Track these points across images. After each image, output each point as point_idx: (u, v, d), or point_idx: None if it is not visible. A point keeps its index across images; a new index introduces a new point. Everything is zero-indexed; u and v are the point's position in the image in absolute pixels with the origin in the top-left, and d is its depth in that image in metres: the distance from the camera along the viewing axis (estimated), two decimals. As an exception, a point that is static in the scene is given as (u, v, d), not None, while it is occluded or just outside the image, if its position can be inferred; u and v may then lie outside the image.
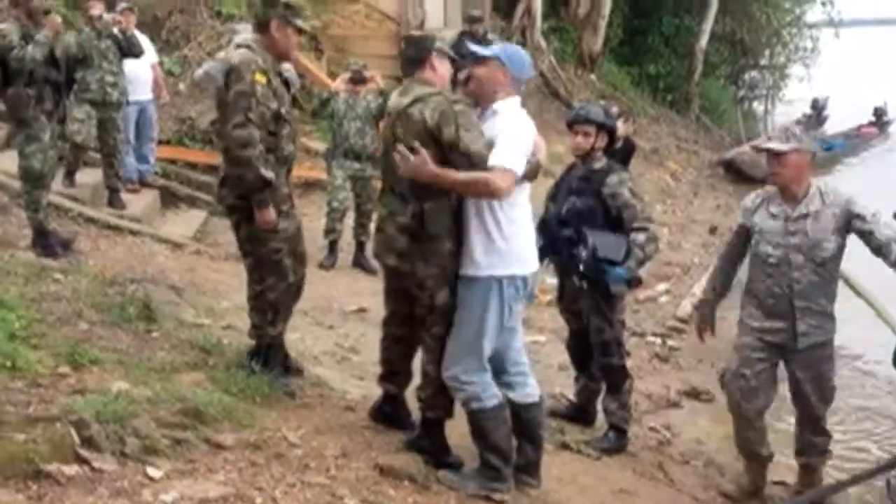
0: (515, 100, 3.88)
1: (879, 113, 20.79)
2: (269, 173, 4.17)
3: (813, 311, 4.31)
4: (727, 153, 16.61)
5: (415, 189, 3.75)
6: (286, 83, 4.44)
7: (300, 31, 4.45)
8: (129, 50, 7.54)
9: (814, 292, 4.30)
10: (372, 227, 5.33)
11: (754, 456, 4.67)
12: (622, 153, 5.45)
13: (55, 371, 3.77)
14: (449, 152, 3.69)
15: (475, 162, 3.62)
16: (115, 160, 7.68)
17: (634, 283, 4.81)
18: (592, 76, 17.43)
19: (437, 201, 3.74)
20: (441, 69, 3.94)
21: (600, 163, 4.80)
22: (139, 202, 8.13)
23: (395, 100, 3.93)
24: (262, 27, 4.37)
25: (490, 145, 3.64)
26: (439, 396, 3.94)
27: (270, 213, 4.22)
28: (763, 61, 22.84)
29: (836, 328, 4.42)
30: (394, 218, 3.86)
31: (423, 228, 3.76)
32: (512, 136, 3.68)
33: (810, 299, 4.30)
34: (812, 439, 4.57)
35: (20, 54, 5.89)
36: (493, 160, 3.60)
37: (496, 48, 3.96)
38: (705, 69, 20.06)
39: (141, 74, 8.19)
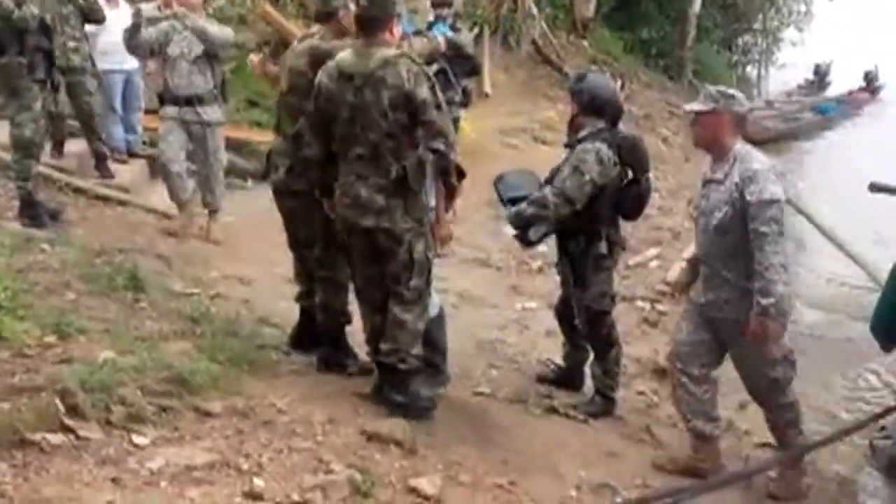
0: None
1: (870, 78, 20.69)
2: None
3: (720, 281, 4.14)
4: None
5: (394, 150, 3.89)
6: None
7: None
8: (91, 15, 7.44)
9: (717, 262, 4.15)
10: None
11: (693, 432, 4.43)
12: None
13: (41, 341, 3.77)
14: (420, 112, 3.84)
15: (446, 116, 3.92)
16: (94, 123, 7.62)
17: (515, 229, 4.85)
18: (585, 42, 17.30)
19: (414, 158, 3.91)
20: (396, 34, 4.04)
21: (584, 131, 4.80)
22: (127, 172, 8.07)
23: (354, 62, 3.91)
24: (325, 18, 4.48)
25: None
26: (415, 347, 4.07)
27: None
28: (756, 25, 22.68)
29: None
30: (365, 181, 3.94)
31: (406, 184, 3.91)
32: None
33: (714, 267, 4.17)
34: (766, 414, 4.49)
35: (22, 14, 5.86)
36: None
37: None
38: (698, 34, 19.91)
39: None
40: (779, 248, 3.87)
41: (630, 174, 4.79)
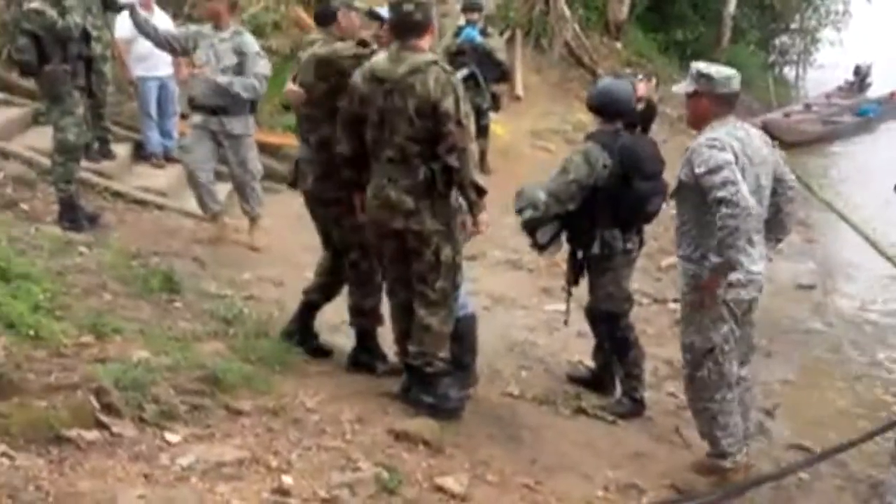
0: None
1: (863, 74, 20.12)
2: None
3: (684, 254, 4.19)
4: (757, 118, 16.42)
5: (422, 154, 3.92)
6: None
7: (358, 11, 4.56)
8: (111, 3, 7.48)
9: (680, 233, 4.22)
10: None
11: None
12: (642, 116, 5.43)
13: (78, 341, 3.85)
14: (440, 123, 3.86)
15: (465, 131, 3.89)
16: (103, 110, 7.74)
17: (528, 236, 4.93)
18: (618, 44, 17.24)
19: (442, 163, 3.93)
20: (430, 40, 4.08)
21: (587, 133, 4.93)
22: (164, 177, 8.21)
23: (386, 66, 3.95)
24: (324, 20, 4.56)
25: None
26: (442, 349, 4.10)
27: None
28: (793, 25, 22.43)
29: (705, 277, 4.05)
30: (395, 183, 3.98)
31: (435, 188, 3.94)
32: None
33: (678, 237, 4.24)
34: None
35: (66, 23, 6.00)
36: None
37: None
38: (734, 35, 19.76)
39: (159, 50, 8.22)
40: (736, 212, 3.80)
41: (625, 178, 4.74)
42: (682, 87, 4.22)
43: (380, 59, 4.03)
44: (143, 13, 7.72)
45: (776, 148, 4.32)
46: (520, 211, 4.86)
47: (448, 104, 3.85)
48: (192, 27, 6.80)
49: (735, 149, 3.98)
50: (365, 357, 4.64)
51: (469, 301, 4.56)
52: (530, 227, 4.83)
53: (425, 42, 3.99)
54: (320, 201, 4.58)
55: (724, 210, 3.81)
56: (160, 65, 8.04)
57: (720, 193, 3.83)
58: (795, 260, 9.18)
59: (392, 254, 4.15)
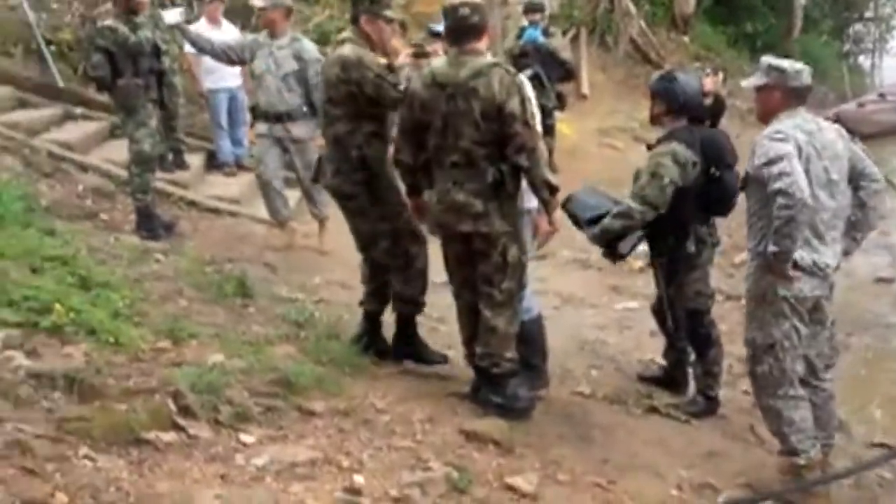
0: None
1: None
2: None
3: (750, 247, 4.14)
4: (831, 110, 16.01)
5: (489, 156, 3.91)
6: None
7: (390, 20, 4.53)
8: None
9: (748, 226, 4.17)
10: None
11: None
12: (711, 111, 5.36)
13: (155, 346, 3.96)
14: (506, 124, 3.86)
15: (533, 131, 3.88)
16: (175, 122, 7.93)
17: (603, 246, 4.79)
18: (685, 38, 17.02)
19: (510, 163, 3.93)
20: (487, 41, 4.06)
21: (660, 132, 4.78)
22: (236, 185, 8.40)
23: (447, 71, 3.96)
24: (354, 21, 4.54)
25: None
26: (509, 350, 4.09)
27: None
28: (868, 13, 21.87)
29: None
30: (461, 186, 3.98)
31: (503, 188, 3.94)
32: None
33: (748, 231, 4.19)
34: None
35: (137, 39, 6.20)
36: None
37: None
38: (806, 25, 19.37)
39: (225, 63, 8.39)
40: (791, 203, 3.74)
41: (713, 170, 4.70)
42: (752, 80, 4.16)
43: (440, 63, 4.05)
44: (209, 27, 7.92)
45: (857, 142, 4.20)
46: (590, 222, 4.74)
47: (514, 105, 3.84)
48: (249, 37, 6.92)
49: (799, 141, 3.91)
50: (405, 347, 4.66)
51: (535, 303, 4.55)
52: (614, 237, 4.70)
53: (483, 45, 3.99)
54: (339, 196, 4.65)
55: (779, 200, 3.77)
56: (228, 76, 8.22)
57: (776, 185, 3.79)
58: (873, 253, 8.92)
59: (458, 256, 4.17)
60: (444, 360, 4.72)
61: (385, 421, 3.79)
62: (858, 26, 22.19)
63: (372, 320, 4.78)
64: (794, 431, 4.12)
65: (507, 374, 4.13)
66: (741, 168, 4.67)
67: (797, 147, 3.88)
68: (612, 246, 4.74)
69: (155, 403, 3.29)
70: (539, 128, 4.01)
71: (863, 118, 15.37)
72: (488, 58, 3.97)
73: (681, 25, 17.18)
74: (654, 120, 4.84)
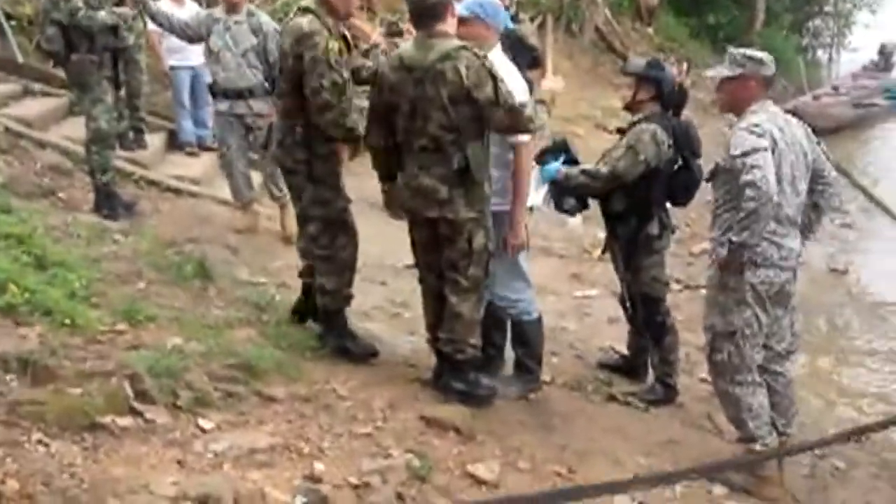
0: (497, 49, 4.20)
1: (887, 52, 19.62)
2: (353, 124, 4.18)
3: (714, 236, 4.18)
4: (788, 103, 16.19)
5: (455, 142, 3.88)
6: (348, 45, 4.33)
7: None
8: None
9: (714, 216, 4.21)
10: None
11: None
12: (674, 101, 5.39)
13: (113, 328, 3.89)
14: (485, 108, 3.80)
15: (515, 113, 3.82)
16: (138, 101, 7.77)
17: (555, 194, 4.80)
18: (649, 29, 17.12)
19: (477, 149, 3.91)
20: (455, 20, 3.99)
21: (639, 115, 4.79)
22: (198, 165, 8.27)
23: (413, 55, 3.90)
24: None
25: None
26: (473, 336, 4.09)
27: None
28: (828, 8, 22.15)
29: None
30: (428, 171, 3.94)
31: (468, 175, 3.91)
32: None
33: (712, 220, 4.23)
34: None
35: (88, 14, 6.04)
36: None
37: (470, 3, 4.11)
38: (767, 18, 19.55)
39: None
40: (758, 195, 3.79)
41: (682, 160, 4.78)
42: (719, 71, 4.18)
43: (407, 46, 3.99)
44: (172, 3, 7.76)
45: (820, 144, 4.24)
46: (566, 162, 4.75)
47: (487, 91, 3.78)
48: (203, 12, 6.77)
49: (775, 136, 3.96)
50: (332, 340, 4.48)
51: (535, 305, 4.56)
52: (569, 188, 4.74)
53: (449, 26, 3.93)
54: (283, 168, 4.56)
55: (747, 192, 3.82)
56: (192, 55, 8.07)
57: (747, 177, 3.83)
58: (827, 244, 9.09)
59: (424, 241, 4.15)
60: (375, 353, 4.54)
61: (346, 407, 3.77)
62: (818, 20, 22.48)
63: (308, 293, 4.70)
64: (751, 418, 4.18)
65: (471, 360, 4.13)
66: (706, 159, 4.74)
67: (773, 142, 3.93)
68: (559, 195, 4.80)
69: (111, 387, 3.23)
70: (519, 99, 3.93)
71: (819, 112, 15.54)
72: (457, 41, 3.91)
73: (645, 16, 17.28)
74: (635, 105, 4.84)
